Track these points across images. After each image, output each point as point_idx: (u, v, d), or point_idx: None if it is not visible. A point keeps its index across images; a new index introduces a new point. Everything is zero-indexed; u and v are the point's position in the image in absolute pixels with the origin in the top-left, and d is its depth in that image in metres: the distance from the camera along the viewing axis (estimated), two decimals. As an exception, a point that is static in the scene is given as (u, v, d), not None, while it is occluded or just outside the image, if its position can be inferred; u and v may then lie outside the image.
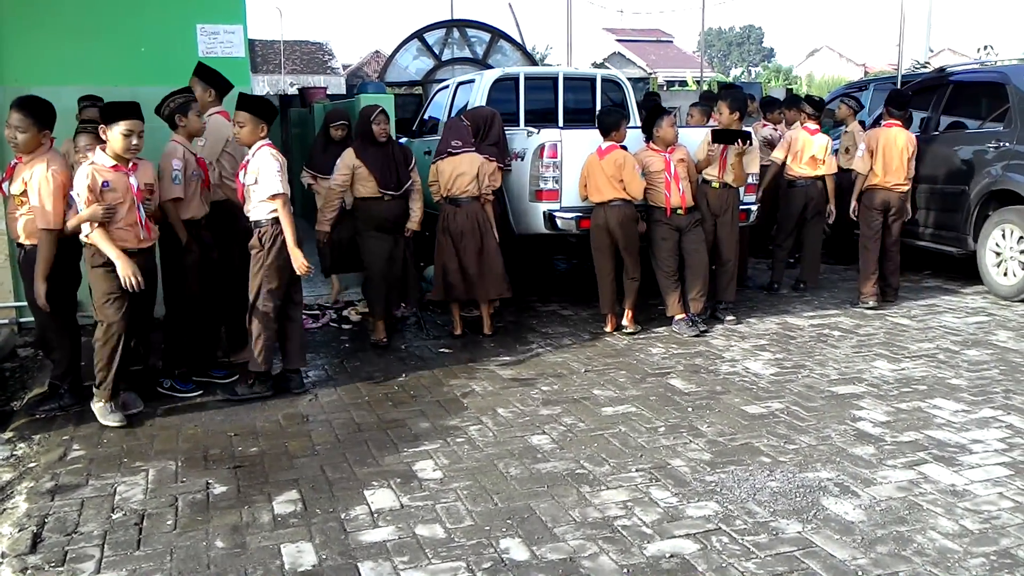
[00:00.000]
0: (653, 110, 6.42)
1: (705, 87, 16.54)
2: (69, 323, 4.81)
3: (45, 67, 6.22)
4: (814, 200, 7.59)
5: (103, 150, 4.41)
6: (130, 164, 4.45)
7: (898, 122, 7.18)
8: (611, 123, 6.18)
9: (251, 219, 4.92)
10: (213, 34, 6.58)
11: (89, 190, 4.30)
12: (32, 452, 4.23)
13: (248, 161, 4.88)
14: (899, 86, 9.60)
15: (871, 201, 7.17)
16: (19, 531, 3.38)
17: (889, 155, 7.08)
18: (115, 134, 4.34)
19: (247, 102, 4.91)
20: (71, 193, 4.43)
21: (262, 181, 4.80)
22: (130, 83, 5.97)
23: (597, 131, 6.27)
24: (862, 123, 8.98)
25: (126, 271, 4.31)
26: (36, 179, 4.49)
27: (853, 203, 7.29)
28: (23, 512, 3.55)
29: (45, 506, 3.60)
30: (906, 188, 7.18)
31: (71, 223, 4.43)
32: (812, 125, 7.62)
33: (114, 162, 4.39)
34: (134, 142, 4.38)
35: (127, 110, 4.37)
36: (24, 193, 4.54)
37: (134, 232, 4.46)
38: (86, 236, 4.37)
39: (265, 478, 3.86)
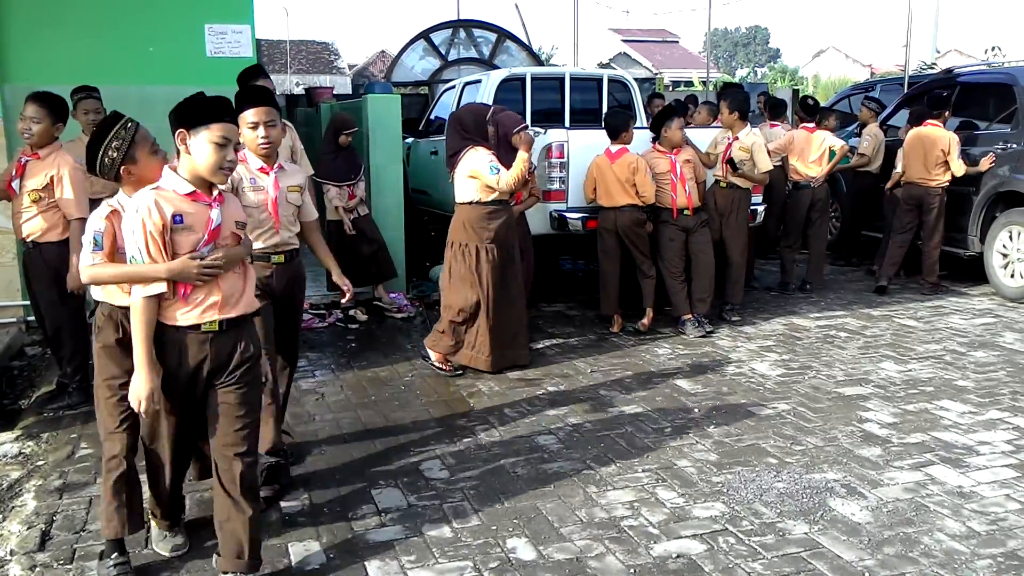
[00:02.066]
0: (663, 111, 6.43)
1: (711, 87, 16.52)
2: (79, 321, 4.82)
3: (53, 66, 6.24)
4: (820, 201, 7.62)
5: (175, 170, 2.87)
6: (215, 193, 2.90)
7: (934, 122, 7.48)
8: (620, 125, 6.18)
9: (285, 247, 3.77)
10: (221, 34, 6.61)
11: (152, 233, 2.75)
12: (40, 450, 4.24)
13: (273, 169, 3.73)
14: (906, 87, 9.60)
15: (902, 195, 7.73)
16: (28, 529, 3.39)
17: (915, 153, 7.53)
18: (201, 144, 2.78)
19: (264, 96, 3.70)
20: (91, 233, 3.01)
21: (307, 201, 3.89)
22: (138, 83, 5.99)
23: (603, 132, 6.27)
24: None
25: (140, 389, 2.77)
26: (65, 171, 4.57)
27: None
28: (32, 510, 3.56)
29: (53, 504, 3.62)
30: (932, 183, 7.47)
31: (109, 275, 2.96)
32: (810, 124, 7.69)
33: (192, 187, 2.83)
34: (229, 157, 2.84)
35: (218, 108, 2.84)
36: (46, 188, 4.58)
37: (214, 295, 2.85)
38: (134, 303, 2.82)
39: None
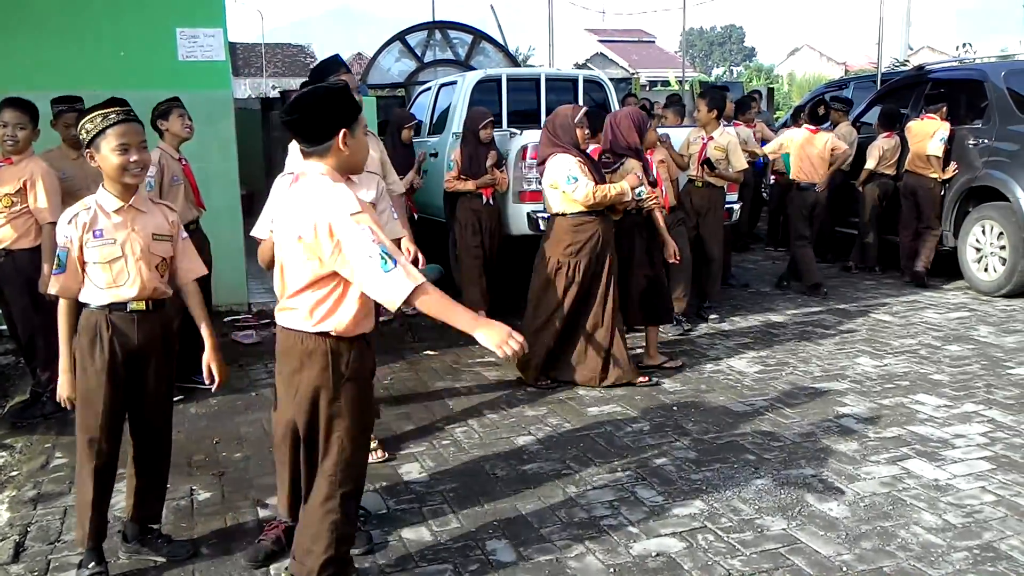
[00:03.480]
0: None
1: (687, 87, 16.60)
2: (53, 328, 4.75)
3: (24, 71, 6.17)
4: (820, 204, 7.60)
5: (330, 165, 2.60)
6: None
7: (931, 115, 7.68)
8: (596, 126, 6.18)
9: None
10: (193, 38, 6.55)
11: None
12: (14, 460, 4.19)
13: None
14: (879, 84, 9.69)
15: (901, 187, 7.98)
16: (1, 541, 3.34)
17: (911, 145, 7.78)
18: (358, 138, 2.66)
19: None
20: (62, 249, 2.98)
21: (388, 219, 3.70)
22: (110, 87, 5.90)
23: None
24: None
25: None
26: (39, 176, 4.54)
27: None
28: (5, 521, 3.51)
29: (27, 515, 3.57)
30: (922, 172, 7.70)
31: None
32: (812, 126, 7.67)
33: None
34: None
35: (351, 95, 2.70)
36: (19, 192, 4.55)
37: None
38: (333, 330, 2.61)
39: (250, 483, 3.84)
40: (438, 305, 2.48)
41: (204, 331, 3.17)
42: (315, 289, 2.57)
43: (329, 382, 2.62)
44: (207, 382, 3.17)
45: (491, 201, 6.54)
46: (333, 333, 2.61)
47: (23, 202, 4.56)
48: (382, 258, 2.42)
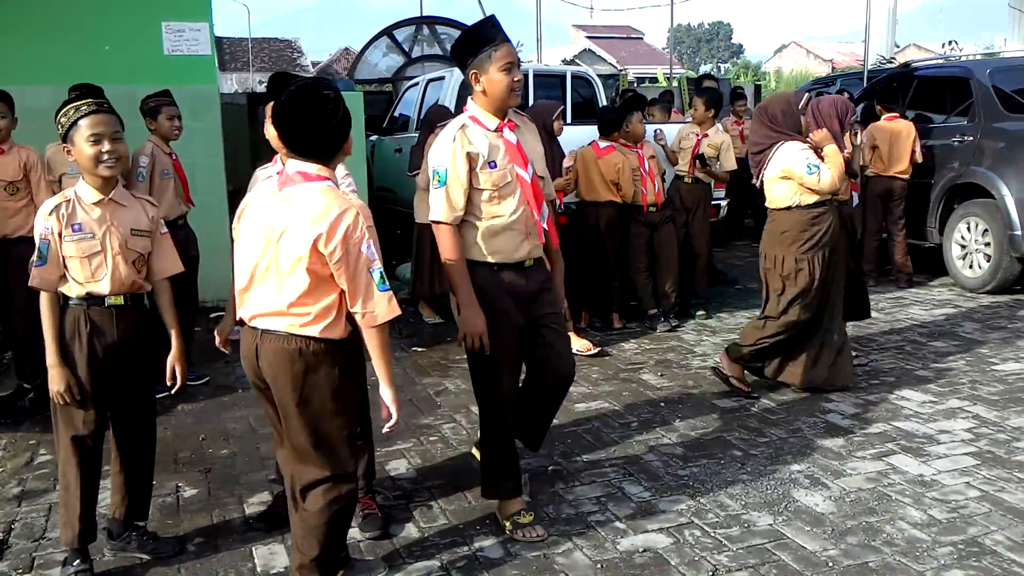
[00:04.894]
0: (622, 105, 6.46)
1: (675, 83, 16.62)
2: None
3: (8, 66, 6.12)
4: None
5: (330, 168, 2.65)
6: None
7: (893, 115, 7.56)
8: (613, 123, 6.17)
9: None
10: (178, 32, 6.52)
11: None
12: (-2, 457, 4.16)
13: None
14: (865, 81, 9.72)
15: (873, 190, 7.62)
16: (-15, 538, 3.32)
17: (887, 147, 7.52)
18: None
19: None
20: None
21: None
22: (94, 82, 5.87)
23: (569, 127, 6.26)
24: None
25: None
26: (36, 161, 4.61)
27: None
28: (-11, 519, 3.49)
29: (12, 512, 3.55)
30: (897, 175, 7.55)
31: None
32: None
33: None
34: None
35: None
36: (23, 179, 4.58)
37: None
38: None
39: (236, 480, 3.83)
40: (385, 347, 2.64)
41: (172, 332, 3.13)
42: (323, 293, 2.55)
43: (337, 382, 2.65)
44: (168, 383, 3.13)
45: (562, 206, 6.02)
46: (337, 338, 2.61)
47: (27, 188, 4.59)
48: (381, 276, 2.54)
